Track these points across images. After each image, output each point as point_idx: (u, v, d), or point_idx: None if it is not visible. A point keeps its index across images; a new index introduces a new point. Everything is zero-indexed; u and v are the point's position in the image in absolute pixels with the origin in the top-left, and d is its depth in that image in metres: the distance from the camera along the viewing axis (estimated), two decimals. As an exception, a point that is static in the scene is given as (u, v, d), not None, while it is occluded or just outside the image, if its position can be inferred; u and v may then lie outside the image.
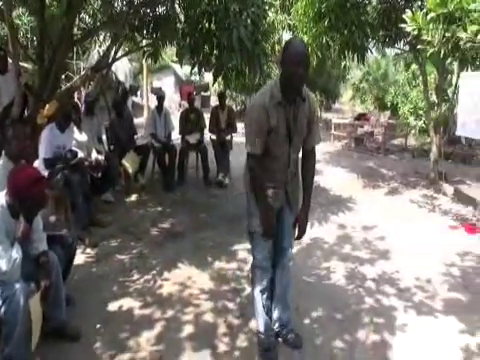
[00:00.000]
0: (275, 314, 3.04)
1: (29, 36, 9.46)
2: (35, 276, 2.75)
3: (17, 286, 2.46)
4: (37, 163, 4.77)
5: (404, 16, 4.72)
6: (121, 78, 14.52)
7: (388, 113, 17.06)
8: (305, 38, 7.64)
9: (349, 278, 4.08)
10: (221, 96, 7.96)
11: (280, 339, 3.03)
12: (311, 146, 2.86)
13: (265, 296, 2.90)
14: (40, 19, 5.41)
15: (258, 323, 2.96)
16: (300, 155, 2.92)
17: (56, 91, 5.73)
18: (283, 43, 15.80)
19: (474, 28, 3.80)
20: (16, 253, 2.55)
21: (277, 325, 3.03)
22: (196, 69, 6.02)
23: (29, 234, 2.78)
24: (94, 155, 5.41)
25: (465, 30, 3.92)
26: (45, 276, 2.76)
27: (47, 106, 5.13)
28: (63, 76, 8.59)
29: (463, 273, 4.23)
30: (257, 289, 2.90)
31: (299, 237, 2.91)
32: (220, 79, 6.11)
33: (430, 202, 6.67)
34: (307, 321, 3.30)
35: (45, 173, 4.55)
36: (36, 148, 4.85)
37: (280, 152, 2.74)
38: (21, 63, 6.80)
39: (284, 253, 2.93)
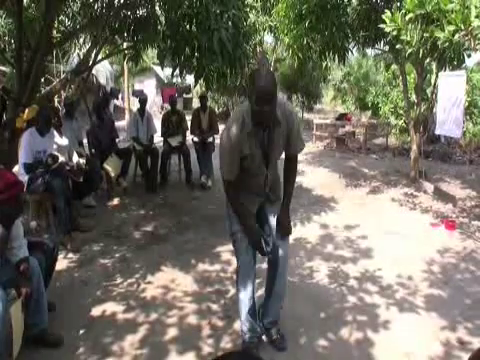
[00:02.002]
0: (265, 312, 3.04)
1: (7, 39, 9.32)
2: (16, 283, 2.70)
3: (-4, 294, 2.43)
4: (17, 168, 4.72)
5: (383, 17, 4.78)
6: (102, 81, 14.46)
7: (369, 113, 17.26)
8: (286, 39, 7.70)
9: (332, 277, 4.11)
10: (202, 98, 7.96)
11: (266, 338, 3.04)
12: (292, 154, 2.86)
13: (249, 298, 2.89)
14: (18, 21, 5.33)
15: (242, 325, 2.96)
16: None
17: (35, 95, 5.67)
18: (265, 45, 15.87)
19: (451, 28, 3.86)
20: (-7, 260, 2.51)
21: (266, 323, 3.03)
22: (177, 71, 6.01)
23: (8, 240, 2.74)
24: (75, 159, 5.36)
25: (443, 30, 3.98)
26: (26, 283, 2.72)
27: (27, 110, 5.07)
28: (42, 79, 8.49)
29: (443, 269, 4.30)
30: (241, 292, 2.90)
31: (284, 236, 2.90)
32: (202, 81, 6.11)
33: (411, 200, 6.75)
34: (290, 320, 3.31)
35: (25, 178, 4.50)
36: (16, 153, 4.79)
37: (257, 173, 2.78)
38: (-1, 66, 6.72)
39: (277, 244, 2.87)
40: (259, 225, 2.90)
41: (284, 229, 2.88)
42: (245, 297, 2.88)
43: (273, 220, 2.89)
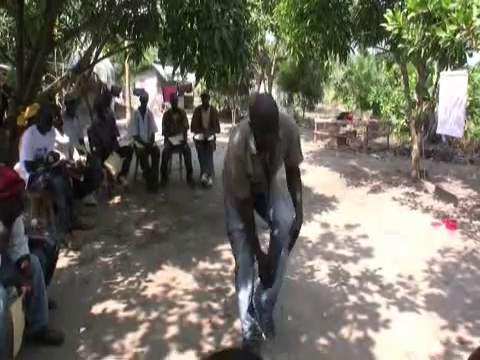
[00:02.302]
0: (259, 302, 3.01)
1: (8, 37, 9.32)
2: (17, 281, 2.71)
3: (-3, 291, 2.43)
4: (18, 166, 4.72)
5: (385, 16, 4.77)
6: (103, 79, 14.47)
7: (370, 112, 17.24)
8: (287, 38, 7.69)
9: (332, 276, 4.11)
10: (204, 97, 7.97)
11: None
12: (293, 165, 2.86)
13: (248, 297, 2.90)
14: (19, 19, 5.34)
15: (242, 324, 2.96)
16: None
17: (36, 93, 5.67)
18: (266, 43, 15.86)
19: (453, 28, 3.86)
20: (-6, 258, 2.51)
21: (265, 300, 2.98)
22: (179, 70, 6.00)
23: (8, 238, 2.74)
24: (76, 157, 5.36)
25: (444, 30, 3.97)
26: (26, 280, 2.73)
27: (28, 108, 5.07)
28: (43, 78, 8.49)
29: (444, 269, 4.30)
30: (241, 291, 2.91)
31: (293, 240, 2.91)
32: (203, 80, 6.10)
33: (412, 200, 6.75)
34: (291, 319, 3.32)
35: (26, 176, 4.50)
36: (17, 151, 4.79)
37: (260, 187, 2.85)
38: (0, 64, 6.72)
39: (278, 228, 2.85)
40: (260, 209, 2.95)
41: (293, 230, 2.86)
42: (244, 296, 2.89)
43: (280, 207, 2.89)
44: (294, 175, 2.90)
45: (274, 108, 2.46)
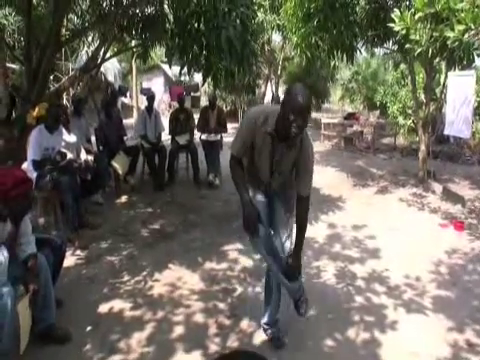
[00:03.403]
0: (265, 313, 3.05)
1: (16, 36, 9.37)
2: (24, 279, 2.72)
3: (4, 290, 2.43)
4: (25, 165, 4.74)
5: (392, 16, 4.76)
6: (110, 79, 14.49)
7: (377, 112, 17.14)
8: (294, 38, 7.67)
9: (339, 277, 4.10)
10: (212, 98, 7.97)
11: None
12: (300, 194, 2.80)
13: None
14: (27, 19, 5.37)
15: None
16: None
17: (44, 92, 5.69)
18: (273, 43, 15.83)
19: (461, 27, 3.84)
20: (2, 257, 2.51)
21: (265, 321, 3.05)
22: (185, 69, 6.00)
23: (16, 237, 2.75)
24: (83, 156, 5.38)
25: (452, 29, 3.96)
26: (34, 279, 2.74)
27: (36, 108, 5.10)
28: (51, 77, 8.53)
29: (451, 270, 4.27)
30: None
31: (292, 277, 2.86)
32: (210, 79, 6.10)
33: (419, 200, 6.72)
34: (298, 320, 3.30)
35: (34, 175, 4.52)
36: (25, 150, 4.81)
37: (262, 170, 2.81)
38: (8, 64, 6.75)
39: (279, 245, 2.87)
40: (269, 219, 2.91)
41: (293, 271, 2.86)
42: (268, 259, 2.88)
43: (279, 217, 2.90)
44: (301, 205, 2.82)
45: (308, 97, 2.49)
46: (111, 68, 14.48)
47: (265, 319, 3.06)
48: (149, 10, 6.55)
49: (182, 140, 7.39)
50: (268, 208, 2.92)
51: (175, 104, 10.83)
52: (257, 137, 2.65)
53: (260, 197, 2.90)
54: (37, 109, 5.07)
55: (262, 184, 2.89)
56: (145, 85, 22.56)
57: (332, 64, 14.47)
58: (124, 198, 6.47)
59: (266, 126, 2.60)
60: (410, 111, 11.13)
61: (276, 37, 16.42)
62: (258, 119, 2.63)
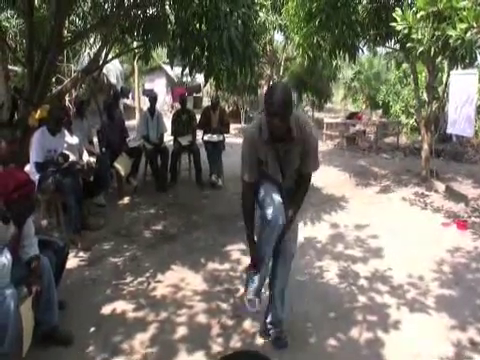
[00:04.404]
0: (270, 311, 3.05)
1: (18, 39, 9.42)
2: (27, 281, 2.73)
3: (7, 292, 2.44)
4: (28, 167, 4.75)
5: (394, 15, 4.74)
6: (112, 80, 14.51)
7: (380, 112, 17.14)
8: (296, 38, 7.66)
9: (342, 277, 4.09)
10: (214, 99, 7.97)
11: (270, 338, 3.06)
12: (304, 171, 2.83)
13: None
14: (29, 21, 5.38)
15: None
16: None
17: (46, 94, 5.71)
18: (275, 43, 15.83)
19: (463, 26, 3.82)
20: (5, 259, 2.52)
21: (268, 321, 3.05)
22: (187, 70, 6.01)
23: (19, 239, 2.76)
24: (85, 158, 5.39)
25: (454, 28, 3.94)
26: (36, 280, 2.74)
27: (39, 110, 5.11)
28: (53, 79, 8.55)
29: (454, 269, 4.26)
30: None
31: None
32: (211, 80, 6.10)
33: (422, 200, 6.70)
34: (300, 320, 3.31)
35: (36, 177, 4.53)
36: (27, 152, 4.83)
37: (274, 178, 2.84)
38: (10, 66, 6.77)
39: (284, 245, 2.89)
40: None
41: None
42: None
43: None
44: (302, 181, 2.88)
45: (285, 95, 2.50)
46: (113, 69, 14.50)
47: (269, 319, 3.06)
48: (151, 11, 6.56)
49: (184, 141, 7.39)
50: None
51: (177, 105, 10.82)
52: (259, 151, 2.70)
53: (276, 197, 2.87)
54: (39, 111, 5.09)
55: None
56: (147, 86, 22.62)
57: (334, 64, 14.46)
58: (126, 199, 6.48)
59: (262, 136, 2.63)
60: (412, 110, 11.14)
61: (278, 37, 16.47)
62: (254, 134, 2.68)
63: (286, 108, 2.48)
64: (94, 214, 5.64)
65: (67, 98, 10.26)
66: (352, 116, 14.99)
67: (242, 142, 2.79)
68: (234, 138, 10.28)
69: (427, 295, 3.74)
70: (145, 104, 13.00)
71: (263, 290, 3.11)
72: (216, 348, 2.97)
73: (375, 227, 5.43)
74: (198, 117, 7.90)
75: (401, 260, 4.42)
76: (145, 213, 5.96)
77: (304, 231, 5.08)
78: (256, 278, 2.88)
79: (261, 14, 9.60)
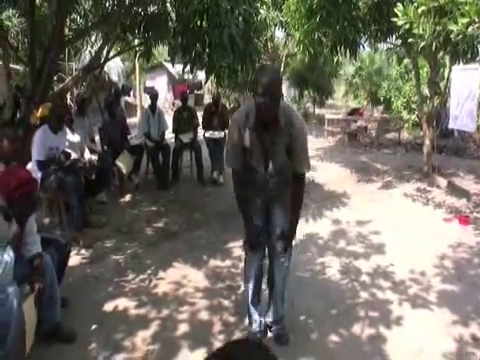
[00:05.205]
0: (270, 309, 3.08)
1: (20, 37, 9.42)
2: (29, 278, 2.74)
3: (10, 289, 2.45)
4: (30, 165, 4.76)
5: (395, 10, 4.72)
6: (114, 78, 14.52)
7: (381, 108, 17.08)
8: (297, 35, 7.64)
9: (344, 273, 4.10)
10: (216, 96, 7.98)
11: (270, 333, 3.08)
12: (296, 171, 2.75)
13: (253, 292, 2.99)
14: (31, 20, 5.38)
15: (247, 318, 3.10)
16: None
17: (48, 93, 5.71)
18: (276, 40, 15.80)
19: (465, 21, 3.80)
20: (8, 256, 2.53)
21: (269, 320, 3.07)
22: (189, 68, 6.00)
23: (22, 237, 2.77)
24: (87, 155, 5.40)
25: (456, 23, 3.92)
26: (39, 278, 2.76)
27: (40, 108, 5.12)
28: (55, 77, 8.56)
29: (456, 265, 4.26)
30: (246, 285, 3.04)
31: (284, 249, 2.87)
32: (213, 77, 6.09)
33: (424, 195, 6.69)
34: (302, 316, 3.32)
35: (38, 175, 4.54)
36: (29, 150, 4.84)
37: (257, 171, 2.78)
38: (12, 65, 6.77)
39: (279, 253, 2.90)
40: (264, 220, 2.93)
41: (286, 244, 2.87)
42: (249, 291, 2.99)
43: (278, 218, 2.89)
44: (296, 186, 2.79)
45: (274, 74, 2.55)
46: (114, 67, 14.51)
47: (270, 318, 3.07)
48: (152, 9, 6.55)
49: (186, 138, 7.39)
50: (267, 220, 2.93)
51: (178, 102, 10.82)
52: (245, 138, 2.65)
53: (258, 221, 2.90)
54: (40, 109, 5.09)
55: (259, 192, 2.86)
56: (148, 84, 22.62)
57: (335, 60, 14.41)
58: (128, 197, 6.49)
59: (249, 122, 2.61)
60: (414, 106, 11.10)
61: (279, 34, 16.37)
62: (240, 119, 2.66)
63: (276, 88, 2.48)
64: (96, 212, 5.65)
65: (69, 96, 10.25)
66: (353, 112, 14.95)
67: (228, 128, 2.81)
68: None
69: (429, 291, 3.74)
70: (146, 102, 12.99)
71: (264, 287, 3.13)
72: (218, 345, 2.97)
73: (377, 223, 5.42)
74: (199, 114, 7.90)
75: (403, 256, 4.42)
76: (147, 210, 5.97)
77: (306, 227, 5.09)
78: (256, 313, 3.00)
79: (262, 11, 9.55)
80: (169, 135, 7.75)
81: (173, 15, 6.26)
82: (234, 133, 2.69)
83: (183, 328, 3.18)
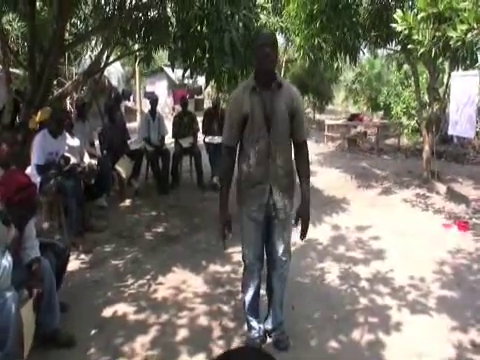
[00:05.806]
0: (269, 315, 3.06)
1: (20, 42, 9.45)
2: (27, 283, 2.73)
3: (8, 294, 2.44)
4: (29, 169, 4.76)
5: (395, 16, 4.74)
6: (114, 83, 14.53)
7: (381, 113, 17.11)
8: (297, 40, 7.66)
9: (343, 278, 4.09)
10: (215, 101, 7.99)
11: (270, 339, 3.06)
12: (299, 140, 2.83)
13: (251, 299, 2.98)
14: (31, 24, 5.39)
15: (246, 324, 3.08)
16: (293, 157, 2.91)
17: (48, 97, 5.71)
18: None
19: (464, 27, 3.82)
20: (6, 261, 2.51)
21: (269, 327, 3.06)
22: (189, 73, 6.02)
23: (20, 241, 2.76)
24: (87, 160, 5.40)
25: (455, 29, 3.93)
26: (37, 283, 2.75)
27: (40, 112, 5.12)
28: (55, 82, 8.58)
29: (456, 271, 4.26)
30: (245, 293, 3.00)
31: (303, 235, 2.86)
32: (213, 82, 6.10)
33: (423, 201, 6.69)
34: (302, 322, 3.31)
35: (37, 179, 4.54)
36: (28, 154, 4.84)
37: (258, 140, 2.70)
38: (12, 69, 6.78)
39: (279, 263, 2.89)
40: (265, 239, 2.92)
41: (303, 227, 2.85)
42: (248, 298, 2.98)
43: (277, 238, 2.87)
44: (300, 149, 2.87)
45: (271, 33, 2.88)
46: (114, 72, 14.52)
47: (270, 325, 3.06)
48: (152, 14, 6.57)
49: (186, 143, 7.40)
50: (264, 224, 2.89)
51: (178, 107, 10.83)
52: (245, 104, 2.67)
53: (255, 215, 2.85)
54: (40, 114, 5.09)
55: (262, 171, 2.75)
56: (148, 89, 22.62)
57: (335, 65, 14.46)
58: (128, 202, 6.48)
59: (249, 87, 2.70)
60: (414, 111, 11.12)
61: (279, 39, 16.41)
62: (238, 91, 2.77)
63: (273, 40, 2.68)
64: (96, 216, 5.65)
65: (68, 100, 10.27)
66: (353, 118, 14.97)
67: (227, 108, 2.90)
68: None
69: (428, 297, 3.74)
70: (146, 106, 13.01)
71: (263, 293, 3.12)
72: (217, 350, 2.97)
73: (376, 229, 5.42)
74: (199, 119, 7.90)
75: (402, 262, 4.42)
76: (146, 215, 5.96)
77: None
78: (255, 321, 3.00)
79: (262, 16, 9.60)
80: (169, 140, 7.75)
81: (173, 20, 6.29)
82: (234, 104, 2.75)
83: (182, 333, 3.17)
